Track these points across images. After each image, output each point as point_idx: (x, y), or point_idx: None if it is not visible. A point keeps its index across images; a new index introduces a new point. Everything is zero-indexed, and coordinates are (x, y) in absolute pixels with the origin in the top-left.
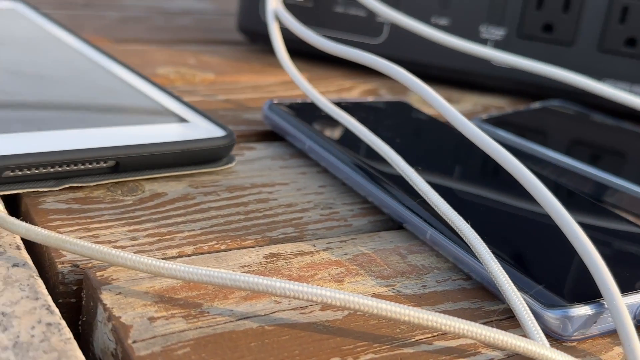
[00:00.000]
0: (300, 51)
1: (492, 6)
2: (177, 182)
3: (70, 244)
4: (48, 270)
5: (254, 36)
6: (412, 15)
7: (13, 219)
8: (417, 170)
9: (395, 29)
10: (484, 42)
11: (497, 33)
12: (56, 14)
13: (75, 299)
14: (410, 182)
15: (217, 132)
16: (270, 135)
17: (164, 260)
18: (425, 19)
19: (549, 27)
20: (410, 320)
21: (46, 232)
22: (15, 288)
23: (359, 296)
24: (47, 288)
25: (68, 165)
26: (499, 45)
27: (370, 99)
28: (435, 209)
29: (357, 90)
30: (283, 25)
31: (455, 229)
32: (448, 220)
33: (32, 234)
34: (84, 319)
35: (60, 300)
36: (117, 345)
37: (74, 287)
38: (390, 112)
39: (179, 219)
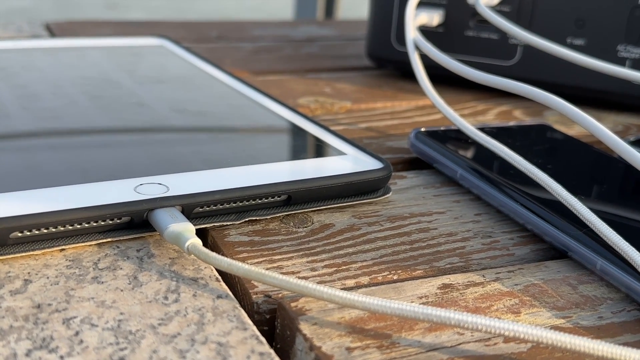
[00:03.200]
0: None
1: (630, 25)
2: (341, 213)
3: (271, 277)
4: (241, 300)
5: (383, 62)
6: (546, 36)
7: (215, 254)
8: (579, 199)
9: (529, 50)
10: (622, 61)
11: (636, 52)
12: (195, 47)
13: (268, 327)
14: (575, 212)
15: (375, 164)
16: (416, 163)
17: (356, 293)
18: (560, 40)
19: None
20: (604, 356)
21: (247, 266)
22: (224, 319)
23: (560, 334)
24: None
25: (248, 201)
26: (637, 64)
27: (511, 123)
28: (605, 239)
29: (492, 113)
30: (423, 53)
31: (628, 260)
32: (620, 251)
33: (233, 267)
34: (278, 346)
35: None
36: None
37: (267, 316)
38: (534, 136)
39: (350, 250)
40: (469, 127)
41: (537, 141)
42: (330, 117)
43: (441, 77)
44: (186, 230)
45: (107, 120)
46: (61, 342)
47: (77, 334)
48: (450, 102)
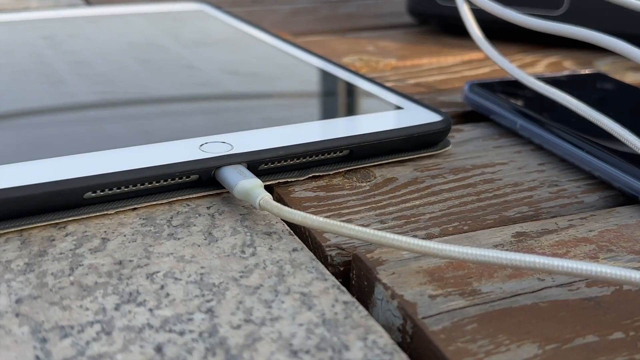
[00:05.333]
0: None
1: None
2: (403, 166)
3: (348, 229)
4: (313, 250)
5: (425, 18)
6: None
7: (288, 208)
8: None
9: None
10: None
11: None
12: (233, 11)
13: (342, 279)
14: None
15: (434, 117)
16: (470, 116)
17: (437, 242)
18: None
19: None
20: None
21: (322, 218)
22: (303, 270)
23: None
24: None
25: (310, 156)
26: None
27: (565, 72)
28: None
29: (542, 65)
30: (473, 5)
31: None
32: None
33: (307, 220)
34: (354, 297)
35: None
36: (405, 321)
37: (341, 269)
38: (591, 84)
39: (417, 202)
40: (527, 77)
41: (595, 90)
42: (378, 75)
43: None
44: (256, 186)
45: (161, 84)
46: (148, 295)
47: (162, 287)
48: None
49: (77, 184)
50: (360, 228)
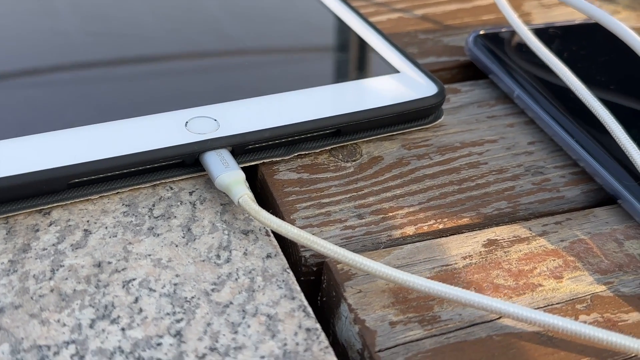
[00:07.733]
0: None
1: None
2: (391, 142)
3: (318, 245)
4: (289, 249)
5: None
6: None
7: (265, 214)
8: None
9: None
10: None
11: None
12: None
13: (315, 277)
14: (631, 159)
15: (429, 87)
16: (474, 67)
17: (392, 268)
18: None
19: None
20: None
21: (296, 230)
22: (273, 285)
23: (580, 324)
24: (290, 264)
25: (297, 136)
26: None
27: (577, 21)
28: None
29: None
30: None
31: None
32: None
33: (282, 229)
34: (323, 299)
35: (302, 278)
36: (364, 349)
37: (314, 269)
38: (597, 38)
39: (398, 191)
40: (523, 28)
41: (607, 47)
42: (385, 1)
43: None
44: (237, 182)
45: (151, 32)
46: (122, 310)
47: (136, 300)
48: None
49: (63, 173)
50: (329, 246)
